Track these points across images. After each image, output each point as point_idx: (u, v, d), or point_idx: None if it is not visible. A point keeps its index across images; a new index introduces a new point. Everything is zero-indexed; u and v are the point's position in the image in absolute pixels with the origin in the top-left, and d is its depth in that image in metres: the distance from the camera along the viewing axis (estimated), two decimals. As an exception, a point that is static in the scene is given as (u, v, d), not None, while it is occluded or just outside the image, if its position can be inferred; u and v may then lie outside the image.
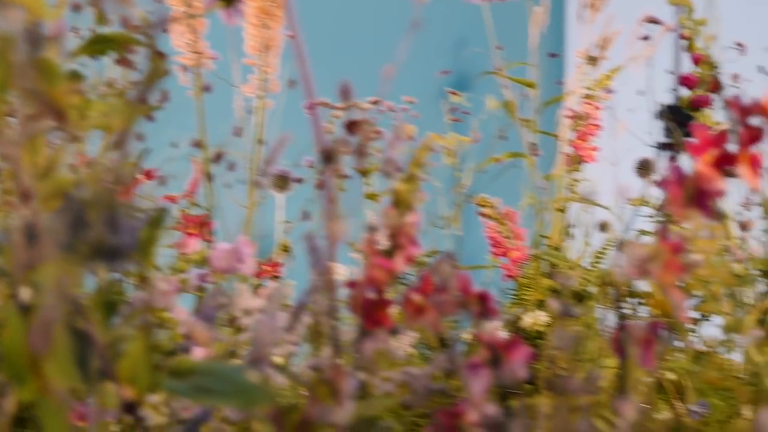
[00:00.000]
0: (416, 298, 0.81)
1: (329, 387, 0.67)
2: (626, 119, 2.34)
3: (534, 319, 1.80)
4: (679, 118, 1.98)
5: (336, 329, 0.68)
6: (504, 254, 2.19)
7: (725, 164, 0.83)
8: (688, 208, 0.83)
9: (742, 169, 0.83)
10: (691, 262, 0.85)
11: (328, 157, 0.65)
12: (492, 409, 0.72)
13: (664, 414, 1.65)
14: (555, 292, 1.76)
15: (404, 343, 1.60)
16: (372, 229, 0.83)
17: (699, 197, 0.83)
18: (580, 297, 1.77)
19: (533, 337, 1.82)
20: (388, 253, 0.83)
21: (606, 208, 2.17)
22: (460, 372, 0.76)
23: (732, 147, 0.84)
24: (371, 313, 0.82)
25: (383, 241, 0.83)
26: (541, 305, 1.90)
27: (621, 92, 2.34)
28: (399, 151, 0.86)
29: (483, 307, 0.80)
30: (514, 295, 2.07)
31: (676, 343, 1.90)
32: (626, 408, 0.66)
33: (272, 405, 0.67)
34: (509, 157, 2.48)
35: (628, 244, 0.71)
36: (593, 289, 1.78)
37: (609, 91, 2.28)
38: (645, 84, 2.18)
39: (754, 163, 0.84)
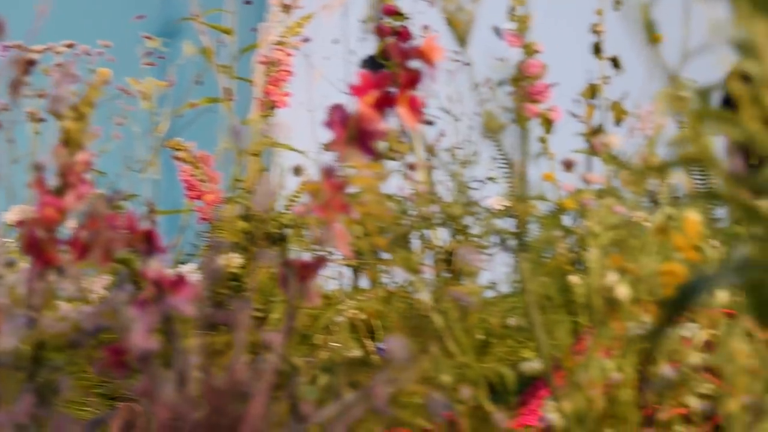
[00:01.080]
0: (83, 236, 0.81)
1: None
2: (322, 66, 2.38)
3: (227, 261, 1.83)
4: (374, 68, 2.03)
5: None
6: (199, 197, 2.20)
7: (386, 105, 0.87)
8: (350, 147, 0.86)
9: (401, 110, 0.87)
10: (354, 200, 0.88)
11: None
12: (153, 344, 0.74)
13: (354, 352, 1.70)
14: (249, 234, 1.78)
15: (99, 284, 1.59)
16: (40, 168, 0.83)
17: (361, 137, 0.86)
18: (275, 239, 1.80)
19: (228, 279, 1.85)
20: (59, 192, 0.83)
21: (300, 152, 2.21)
22: (126, 309, 0.76)
23: (393, 89, 0.88)
24: (41, 253, 0.81)
25: (54, 180, 0.83)
26: (235, 248, 1.92)
27: (317, 40, 2.38)
28: (67, 90, 0.85)
29: (149, 244, 0.80)
30: (209, 237, 2.09)
31: (368, 284, 1.96)
32: (274, 340, 0.69)
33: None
34: (206, 102, 2.49)
35: (263, 182, 0.73)
36: (287, 232, 1.82)
37: (305, 39, 2.32)
38: (339, 33, 2.23)
39: (413, 105, 0.88)
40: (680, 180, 1.10)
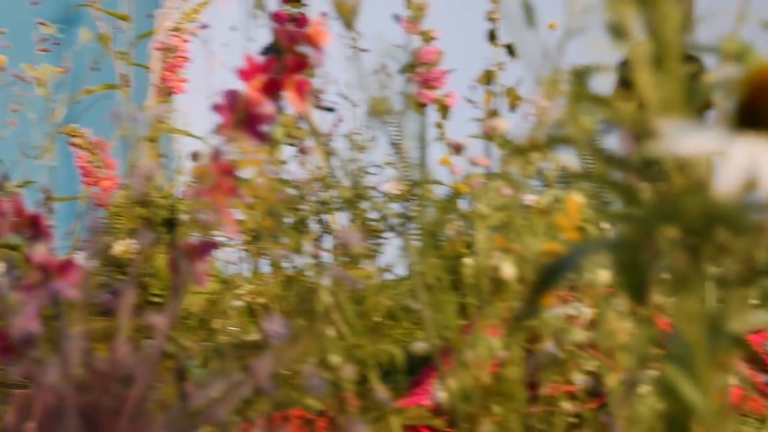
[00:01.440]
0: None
1: None
2: (221, 53, 2.38)
3: (125, 247, 1.82)
4: (275, 54, 2.03)
5: None
6: (95, 184, 2.20)
7: (273, 90, 0.88)
8: (239, 131, 0.87)
9: (288, 94, 0.88)
10: (245, 184, 0.88)
11: None
12: (36, 328, 0.74)
13: (252, 335, 1.71)
14: (146, 220, 1.78)
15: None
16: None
17: (249, 121, 0.87)
18: (172, 224, 1.79)
19: (125, 265, 1.84)
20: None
21: (199, 138, 2.21)
22: (12, 293, 0.76)
23: (280, 73, 0.89)
24: None
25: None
26: (132, 233, 1.92)
27: (216, 27, 2.37)
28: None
29: (35, 229, 0.80)
30: (106, 223, 2.08)
31: (267, 268, 1.96)
32: (159, 322, 0.69)
33: None
34: (103, 89, 2.48)
35: (140, 165, 0.74)
36: (185, 217, 1.81)
37: (203, 25, 2.32)
38: (238, 19, 2.23)
39: (301, 89, 0.89)
40: (566, 162, 1.13)
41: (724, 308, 0.62)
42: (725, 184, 0.54)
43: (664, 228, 0.63)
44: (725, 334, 0.61)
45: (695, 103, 0.65)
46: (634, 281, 0.66)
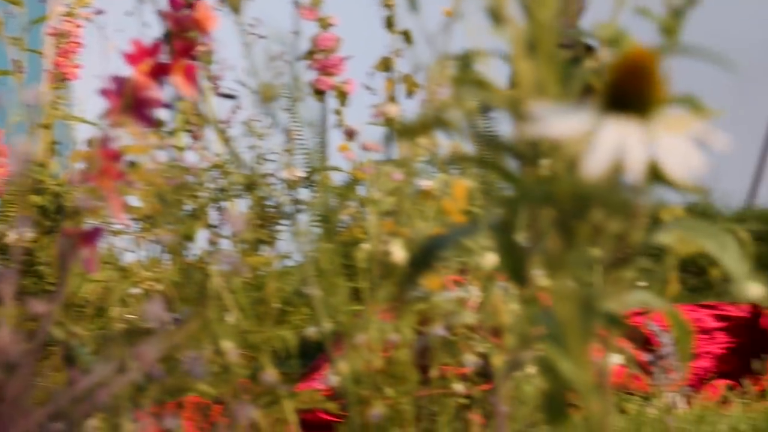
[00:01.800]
0: None
1: None
2: (116, 39, 2.36)
3: (19, 235, 1.79)
4: (167, 40, 2.01)
5: None
6: (-12, 172, 2.17)
7: (161, 74, 0.88)
8: (126, 115, 0.87)
9: (176, 78, 0.88)
10: (134, 169, 0.88)
11: None
12: None
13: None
14: (41, 208, 1.76)
15: None
16: None
17: (136, 106, 0.87)
18: (68, 212, 1.77)
19: (21, 254, 1.81)
20: None
21: (93, 124, 2.19)
22: None
23: (167, 57, 0.89)
24: None
25: None
26: (27, 222, 1.89)
27: (110, 13, 2.35)
28: None
29: None
30: (-1, 211, 2.05)
31: (166, 255, 1.95)
32: (42, 309, 0.69)
33: None
34: (-5, 75, 2.44)
35: (17, 147, 0.73)
36: (78, 204, 1.79)
37: (98, 11, 2.30)
38: (132, 5, 2.21)
39: (189, 73, 0.89)
40: (456, 146, 1.14)
41: (599, 288, 0.64)
42: (594, 165, 0.55)
43: (540, 209, 0.64)
44: (599, 313, 0.62)
45: (573, 87, 0.66)
46: (513, 262, 0.67)
